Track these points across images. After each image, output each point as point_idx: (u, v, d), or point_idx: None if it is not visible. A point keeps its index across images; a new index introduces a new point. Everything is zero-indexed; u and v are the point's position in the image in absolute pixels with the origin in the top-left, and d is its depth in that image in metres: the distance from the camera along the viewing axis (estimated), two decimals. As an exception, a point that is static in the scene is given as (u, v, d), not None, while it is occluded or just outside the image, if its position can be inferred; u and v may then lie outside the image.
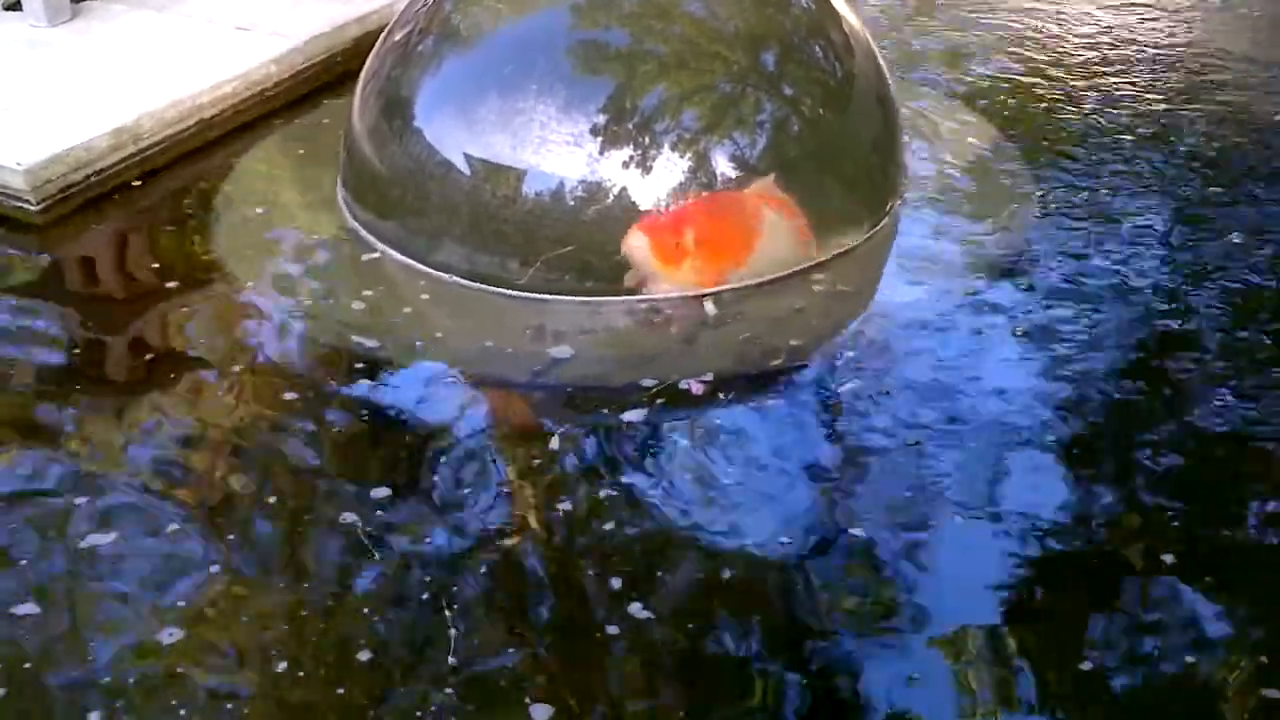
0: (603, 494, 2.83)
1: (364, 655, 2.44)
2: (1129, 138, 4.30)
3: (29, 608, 2.54)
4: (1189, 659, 2.44)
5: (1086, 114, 4.46)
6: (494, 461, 2.96)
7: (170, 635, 2.48)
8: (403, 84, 3.69)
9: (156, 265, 3.74)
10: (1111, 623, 2.53)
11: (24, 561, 2.66)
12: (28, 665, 2.43)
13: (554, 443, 3.01)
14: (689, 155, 3.42)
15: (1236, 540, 2.72)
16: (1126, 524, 2.76)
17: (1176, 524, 2.75)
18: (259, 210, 3.95)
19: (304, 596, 2.58)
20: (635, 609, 2.54)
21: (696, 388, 3.13)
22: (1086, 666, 2.43)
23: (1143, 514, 2.78)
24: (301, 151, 4.30)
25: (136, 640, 2.49)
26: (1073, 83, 4.69)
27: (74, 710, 2.35)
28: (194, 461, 2.96)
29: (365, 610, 2.54)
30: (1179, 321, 3.39)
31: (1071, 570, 2.66)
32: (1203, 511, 2.77)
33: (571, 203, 3.41)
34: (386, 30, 3.95)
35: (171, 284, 3.58)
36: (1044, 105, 4.54)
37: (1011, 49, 4.98)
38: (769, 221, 3.48)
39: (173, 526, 2.74)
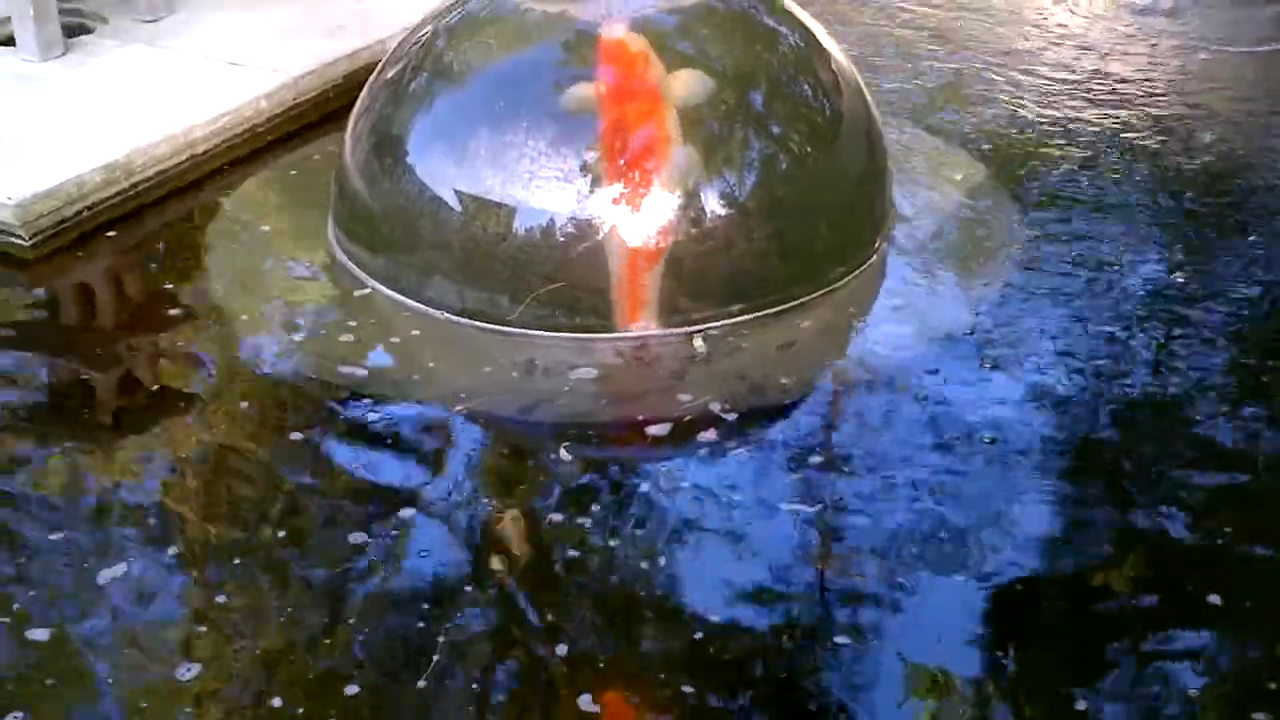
0: (587, 529, 2.83)
1: (351, 689, 2.45)
2: (1119, 176, 4.31)
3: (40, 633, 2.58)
4: (1190, 693, 2.46)
5: (1077, 151, 4.48)
6: (480, 496, 2.98)
7: (172, 661, 2.51)
8: (394, 121, 3.71)
9: (147, 300, 3.75)
10: (1101, 665, 2.53)
11: (33, 593, 2.67)
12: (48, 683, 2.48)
13: (541, 478, 3.03)
14: (678, 193, 3.44)
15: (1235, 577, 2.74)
16: (1121, 568, 2.76)
17: (1168, 574, 2.75)
18: (250, 245, 3.97)
19: (292, 628, 2.60)
20: (612, 650, 2.56)
21: (709, 434, 3.13)
22: (1081, 706, 2.43)
23: (1137, 557, 2.79)
24: (293, 187, 4.31)
25: (145, 666, 2.53)
26: (1064, 120, 4.71)
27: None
28: (185, 494, 2.97)
29: (351, 640, 2.56)
30: (1174, 363, 3.39)
31: (1062, 614, 2.66)
32: (1196, 564, 2.78)
33: (561, 239, 3.43)
34: (379, 67, 3.97)
35: (162, 319, 3.58)
36: (1032, 142, 4.56)
37: (999, 87, 5.01)
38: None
39: (168, 559, 2.76)
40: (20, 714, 2.41)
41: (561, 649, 2.55)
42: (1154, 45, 5.35)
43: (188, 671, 2.49)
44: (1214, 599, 2.65)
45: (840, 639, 2.57)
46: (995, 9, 5.76)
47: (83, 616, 2.63)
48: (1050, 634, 2.61)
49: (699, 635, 2.58)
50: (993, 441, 3.08)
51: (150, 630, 2.60)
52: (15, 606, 2.64)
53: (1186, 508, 2.89)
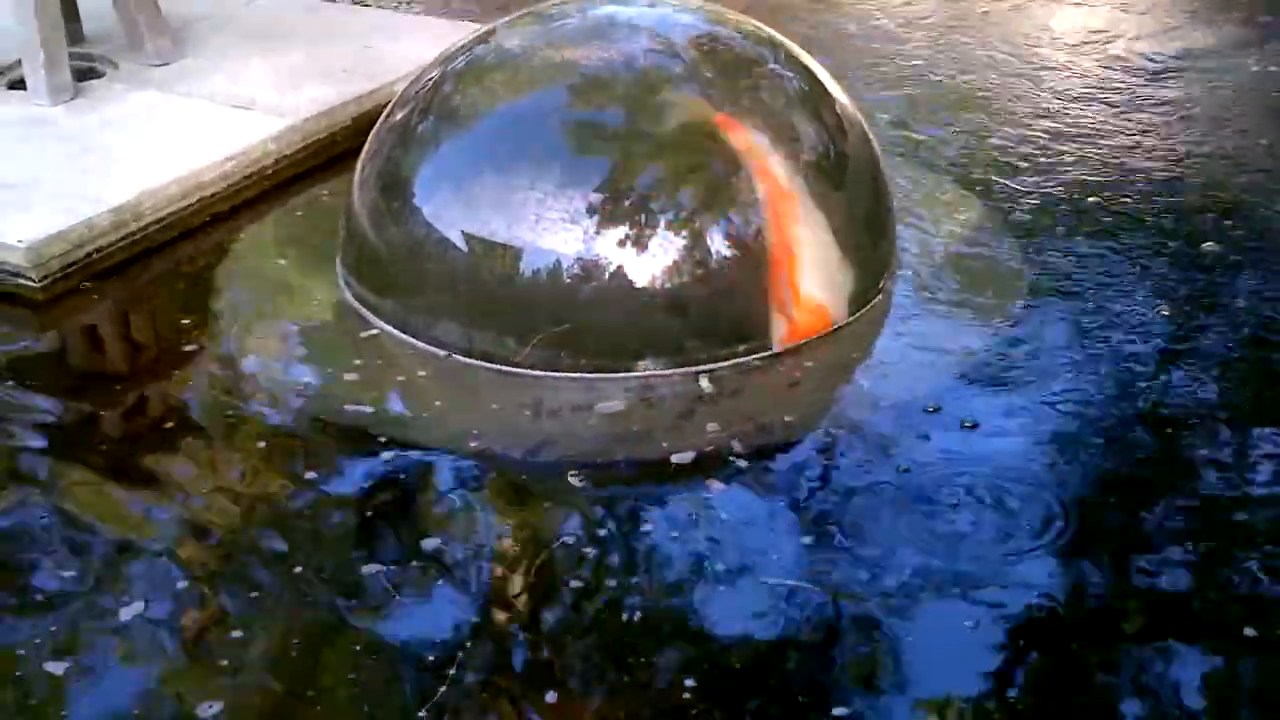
0: (594, 567, 2.85)
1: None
2: (1130, 223, 4.32)
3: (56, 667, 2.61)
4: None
5: (1090, 198, 4.49)
6: (486, 534, 2.99)
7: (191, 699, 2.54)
8: (401, 164, 3.75)
9: (156, 341, 3.79)
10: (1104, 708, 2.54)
11: (53, 628, 2.70)
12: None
13: (548, 516, 3.04)
14: (684, 234, 3.47)
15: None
16: (1122, 609, 2.77)
17: (1172, 628, 2.75)
18: (258, 287, 4.00)
19: (301, 664, 2.63)
20: (620, 691, 2.56)
21: (716, 473, 3.15)
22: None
23: (1137, 604, 2.80)
24: (301, 229, 4.35)
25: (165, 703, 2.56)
26: (1071, 158, 4.75)
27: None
28: (196, 533, 2.98)
29: (360, 676, 2.59)
30: (1177, 411, 3.40)
31: (1065, 656, 2.66)
32: (1202, 620, 2.79)
33: (568, 281, 3.45)
34: (386, 111, 4.01)
35: (171, 360, 3.62)
36: (1042, 186, 4.58)
37: (1008, 132, 5.04)
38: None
39: (182, 596, 2.79)
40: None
41: (566, 685, 2.56)
42: (1170, 94, 5.39)
43: (209, 709, 2.52)
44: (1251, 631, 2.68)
45: (847, 687, 2.59)
46: (1005, 57, 5.82)
47: (101, 654, 2.65)
48: (1058, 686, 2.61)
49: (701, 674, 2.59)
50: (995, 488, 3.09)
51: (167, 667, 2.63)
52: (36, 641, 2.66)
53: (1192, 558, 2.91)
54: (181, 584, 2.82)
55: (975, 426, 3.29)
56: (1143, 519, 3.01)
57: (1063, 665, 2.63)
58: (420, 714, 2.49)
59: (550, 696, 2.54)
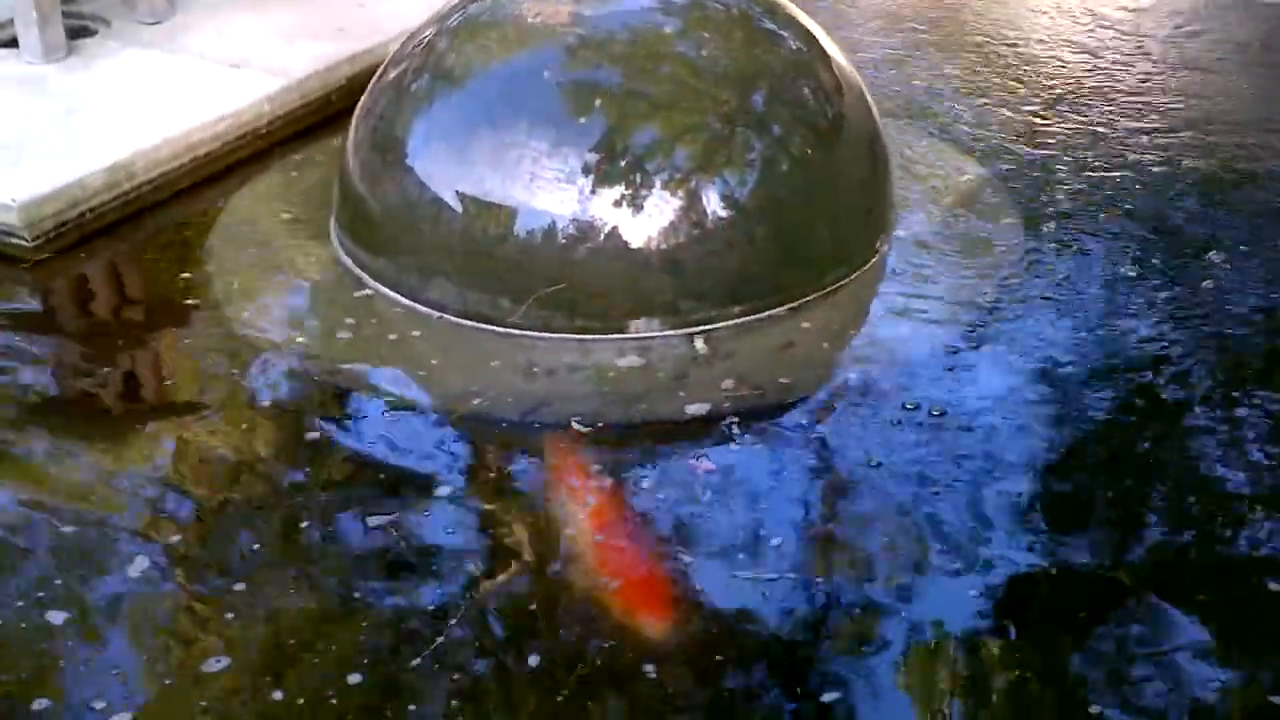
0: (590, 532, 2.86)
1: (354, 677, 2.48)
2: (1122, 179, 4.32)
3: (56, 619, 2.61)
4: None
5: (1084, 158, 4.48)
6: (480, 495, 2.98)
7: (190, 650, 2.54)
8: (396, 123, 3.73)
9: (149, 301, 3.78)
10: (1115, 667, 2.54)
11: (58, 582, 2.71)
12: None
13: (541, 478, 3.04)
14: (680, 194, 3.46)
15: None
16: (1123, 568, 2.77)
17: (1173, 574, 2.76)
18: (252, 247, 3.97)
19: (302, 620, 2.63)
20: (613, 653, 2.56)
21: (710, 434, 3.14)
22: (1095, 710, 2.44)
23: (1134, 557, 2.80)
24: (295, 189, 4.32)
25: (168, 656, 2.57)
26: (1065, 120, 4.73)
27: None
28: (191, 492, 2.99)
29: (356, 631, 2.59)
30: (1169, 369, 3.40)
31: (1067, 616, 2.66)
32: (1200, 560, 2.80)
33: (563, 241, 3.44)
34: (381, 69, 3.98)
35: (164, 320, 3.60)
36: (1034, 143, 4.57)
37: (1008, 93, 5.02)
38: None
39: (180, 553, 2.79)
40: (47, 701, 2.45)
41: (556, 642, 2.57)
42: (1165, 54, 5.36)
43: (217, 664, 2.52)
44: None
45: (842, 644, 2.60)
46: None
47: (105, 610, 2.66)
48: (1059, 639, 2.61)
49: (698, 635, 2.60)
50: (989, 444, 3.10)
51: (172, 623, 2.64)
52: (39, 595, 2.66)
53: (1188, 505, 2.92)
54: (181, 540, 2.83)
55: (963, 392, 3.29)
56: (1129, 483, 3.02)
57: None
58: (415, 661, 2.50)
59: (545, 650, 2.54)
